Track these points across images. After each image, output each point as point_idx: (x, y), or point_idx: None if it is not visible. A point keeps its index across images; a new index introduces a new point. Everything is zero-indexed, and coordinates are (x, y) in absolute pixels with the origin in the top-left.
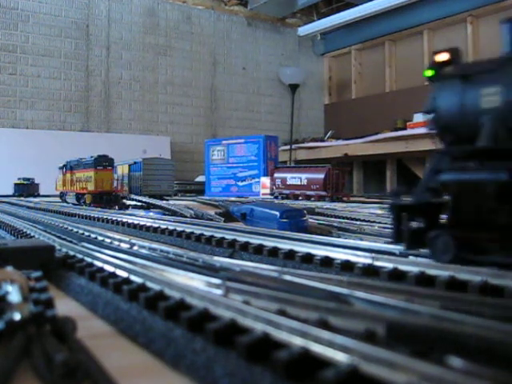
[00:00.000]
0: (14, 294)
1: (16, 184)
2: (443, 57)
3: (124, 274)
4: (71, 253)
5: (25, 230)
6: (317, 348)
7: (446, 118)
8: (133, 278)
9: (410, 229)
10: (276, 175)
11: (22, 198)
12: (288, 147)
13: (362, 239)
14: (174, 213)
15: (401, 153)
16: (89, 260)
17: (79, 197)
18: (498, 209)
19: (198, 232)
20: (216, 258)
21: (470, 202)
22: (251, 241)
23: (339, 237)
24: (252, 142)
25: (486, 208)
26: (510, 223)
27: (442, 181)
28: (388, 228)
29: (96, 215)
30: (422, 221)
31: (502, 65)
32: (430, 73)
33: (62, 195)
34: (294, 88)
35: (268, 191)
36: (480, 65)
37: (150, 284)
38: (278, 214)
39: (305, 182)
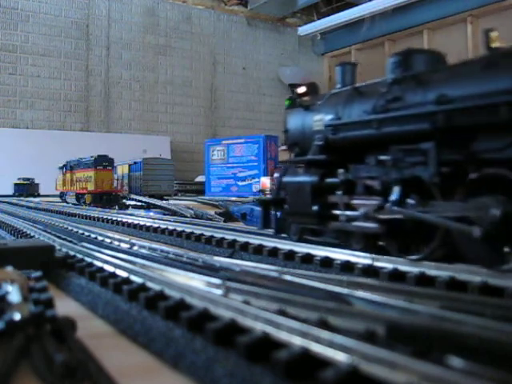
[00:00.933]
0: (13, 294)
1: (16, 184)
2: (302, 90)
3: (124, 274)
4: (71, 253)
5: (25, 230)
6: (317, 348)
7: (294, 136)
8: (133, 277)
9: (276, 218)
10: (276, 175)
11: (21, 198)
12: None
13: None
14: (174, 213)
15: None
16: (89, 260)
17: (79, 197)
18: (312, 202)
19: (198, 232)
20: (216, 257)
21: (297, 197)
22: (251, 241)
23: None
24: (252, 142)
25: (306, 201)
26: (320, 212)
27: (283, 182)
28: None
29: (96, 215)
30: (279, 211)
31: (326, 98)
32: (287, 102)
33: (62, 195)
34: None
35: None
36: (317, 97)
37: (150, 284)
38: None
39: None
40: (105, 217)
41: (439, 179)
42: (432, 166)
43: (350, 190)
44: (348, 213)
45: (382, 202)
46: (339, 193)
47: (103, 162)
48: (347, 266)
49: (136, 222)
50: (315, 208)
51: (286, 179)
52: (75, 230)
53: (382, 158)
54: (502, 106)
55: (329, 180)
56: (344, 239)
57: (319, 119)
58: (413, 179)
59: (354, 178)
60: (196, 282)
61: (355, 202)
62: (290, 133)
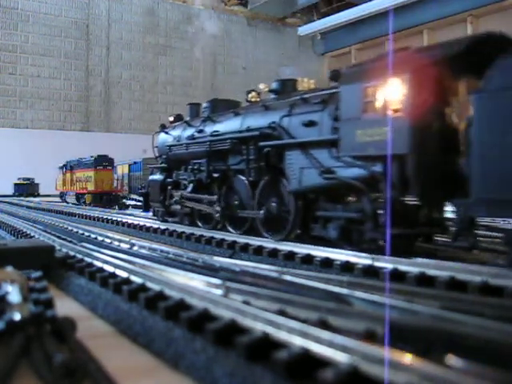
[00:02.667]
0: (13, 294)
1: (16, 184)
2: (171, 118)
3: (124, 274)
4: (71, 253)
5: (25, 230)
6: (317, 348)
7: (159, 150)
8: (133, 278)
9: (147, 203)
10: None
11: (22, 198)
12: None
13: None
14: None
15: None
16: (89, 260)
17: (79, 197)
18: (159, 193)
19: (198, 233)
20: (216, 258)
21: (154, 190)
22: (251, 242)
23: None
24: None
25: (157, 193)
26: (163, 200)
27: (150, 180)
28: None
29: (96, 215)
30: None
31: (173, 127)
32: (159, 127)
33: (62, 195)
34: None
35: None
36: (176, 125)
37: (150, 284)
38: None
39: None
40: (105, 217)
41: (210, 180)
42: (205, 173)
43: (176, 186)
44: (172, 200)
45: (185, 193)
46: (169, 187)
47: (103, 162)
48: (347, 267)
49: (136, 222)
50: (161, 197)
51: (149, 178)
52: (75, 230)
53: (188, 167)
54: (229, 140)
55: (168, 180)
56: (181, 218)
57: (168, 140)
58: (198, 180)
59: (177, 179)
60: (196, 282)
61: (174, 193)
62: (158, 148)
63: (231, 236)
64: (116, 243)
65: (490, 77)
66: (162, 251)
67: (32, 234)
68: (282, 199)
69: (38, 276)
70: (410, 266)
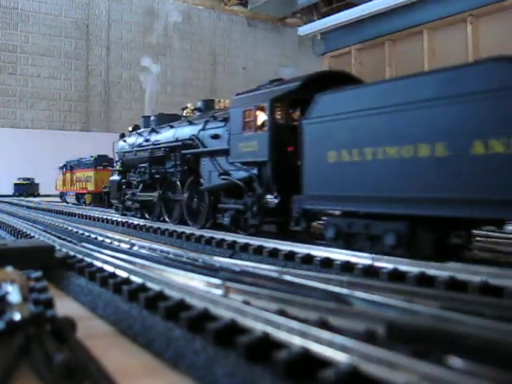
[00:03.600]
0: (13, 294)
1: (16, 184)
2: (130, 128)
3: (124, 274)
4: (71, 253)
5: (25, 230)
6: (317, 348)
7: (119, 155)
8: (133, 278)
9: (108, 200)
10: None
11: (22, 198)
12: None
13: None
14: None
15: None
16: (89, 260)
17: (79, 197)
18: (117, 191)
19: (198, 233)
20: (216, 258)
21: (113, 189)
22: (251, 242)
23: None
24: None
25: (115, 191)
26: (120, 198)
27: (110, 181)
28: None
29: (96, 215)
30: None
31: (129, 135)
32: (120, 136)
33: (62, 195)
34: None
35: None
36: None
37: (150, 284)
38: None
39: None
40: (105, 217)
41: (152, 181)
42: (147, 175)
43: (129, 185)
44: (126, 197)
45: (135, 191)
46: (124, 187)
47: (103, 162)
48: (347, 267)
49: (136, 222)
50: (118, 195)
51: (109, 179)
52: (75, 230)
53: (137, 170)
54: (163, 148)
55: (123, 180)
56: (135, 212)
57: (125, 147)
58: (143, 181)
59: (129, 180)
60: (196, 282)
61: (127, 192)
62: (117, 153)
63: (231, 236)
64: (116, 243)
65: (312, 108)
66: (161, 251)
67: (32, 234)
68: (201, 195)
69: (38, 276)
70: (410, 266)
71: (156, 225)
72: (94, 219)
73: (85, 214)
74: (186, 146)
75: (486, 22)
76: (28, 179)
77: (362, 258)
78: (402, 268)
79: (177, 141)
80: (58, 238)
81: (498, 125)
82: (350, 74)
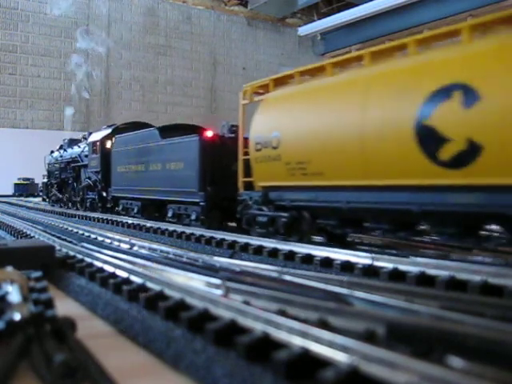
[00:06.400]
0: (14, 294)
1: (16, 184)
2: (60, 145)
3: (124, 275)
4: (71, 253)
5: (25, 231)
6: (317, 348)
7: (47, 165)
8: (133, 278)
9: (47, 198)
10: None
11: (21, 198)
12: None
13: None
14: None
15: None
16: (89, 260)
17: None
18: (46, 190)
19: (198, 233)
20: (216, 258)
21: (44, 189)
22: (251, 242)
23: None
24: None
25: (46, 189)
26: (48, 195)
27: (42, 182)
28: None
29: (96, 216)
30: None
31: (58, 149)
32: (50, 152)
33: None
34: None
35: None
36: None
37: (150, 284)
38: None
39: None
40: (105, 217)
41: (61, 183)
42: (59, 179)
43: (52, 186)
44: (51, 194)
45: (53, 190)
46: (49, 187)
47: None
48: (347, 266)
49: (136, 222)
50: (46, 192)
51: (41, 181)
52: (75, 230)
53: (54, 175)
54: (64, 162)
55: (48, 182)
56: (72, 206)
57: (51, 159)
58: (57, 183)
59: (51, 182)
60: (196, 282)
61: (50, 189)
62: (47, 163)
63: (231, 236)
64: (116, 243)
65: (114, 142)
66: (161, 251)
67: (32, 235)
68: (80, 191)
69: (38, 276)
70: (410, 266)
71: (156, 225)
72: (93, 219)
73: (85, 214)
74: (74, 161)
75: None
76: (28, 179)
77: (362, 258)
78: (402, 268)
79: (71, 158)
80: (58, 238)
81: (168, 156)
82: (143, 122)
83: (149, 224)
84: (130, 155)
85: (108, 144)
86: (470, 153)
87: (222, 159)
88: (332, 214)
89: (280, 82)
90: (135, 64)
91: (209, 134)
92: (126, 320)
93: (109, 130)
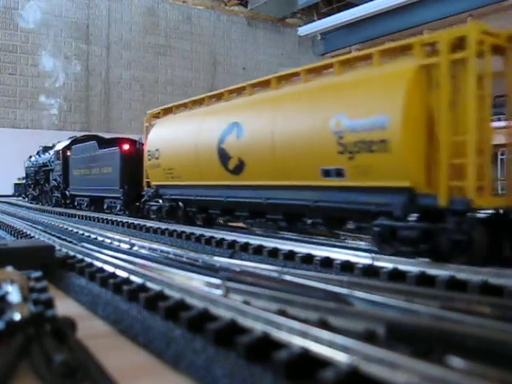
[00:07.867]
0: (14, 294)
1: (16, 184)
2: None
3: (124, 275)
4: (71, 253)
5: (25, 231)
6: (317, 348)
7: (25, 168)
8: (133, 278)
9: (25, 196)
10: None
11: (21, 198)
12: None
13: None
14: None
15: None
16: (89, 260)
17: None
18: (24, 189)
19: (198, 233)
20: (216, 258)
21: (22, 188)
22: (251, 241)
23: None
24: None
25: (24, 189)
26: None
27: (22, 183)
28: None
29: (96, 216)
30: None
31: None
32: (29, 156)
33: None
34: None
35: None
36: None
37: (150, 284)
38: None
39: None
40: (105, 217)
41: (36, 183)
42: (34, 180)
43: (30, 186)
44: (28, 192)
45: (30, 189)
46: (27, 186)
47: None
48: (347, 266)
49: (136, 222)
50: (24, 191)
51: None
52: (75, 230)
53: (31, 177)
54: (37, 166)
55: (25, 183)
56: (45, 202)
57: (29, 163)
58: (33, 183)
59: (28, 183)
60: (196, 282)
61: (28, 188)
62: (25, 167)
63: (231, 236)
64: (116, 243)
65: (72, 151)
66: (161, 251)
67: (32, 235)
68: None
69: (37, 276)
70: (410, 266)
71: (156, 225)
72: (94, 219)
73: (85, 214)
74: (45, 166)
75: (485, 22)
76: None
77: (362, 258)
78: (402, 268)
79: (42, 163)
80: (58, 238)
81: (102, 163)
82: (96, 135)
83: (149, 224)
84: (81, 162)
85: (68, 152)
86: (241, 165)
87: (136, 165)
88: (194, 204)
89: (168, 111)
90: (135, 64)
91: (126, 146)
92: (125, 320)
93: (69, 141)
